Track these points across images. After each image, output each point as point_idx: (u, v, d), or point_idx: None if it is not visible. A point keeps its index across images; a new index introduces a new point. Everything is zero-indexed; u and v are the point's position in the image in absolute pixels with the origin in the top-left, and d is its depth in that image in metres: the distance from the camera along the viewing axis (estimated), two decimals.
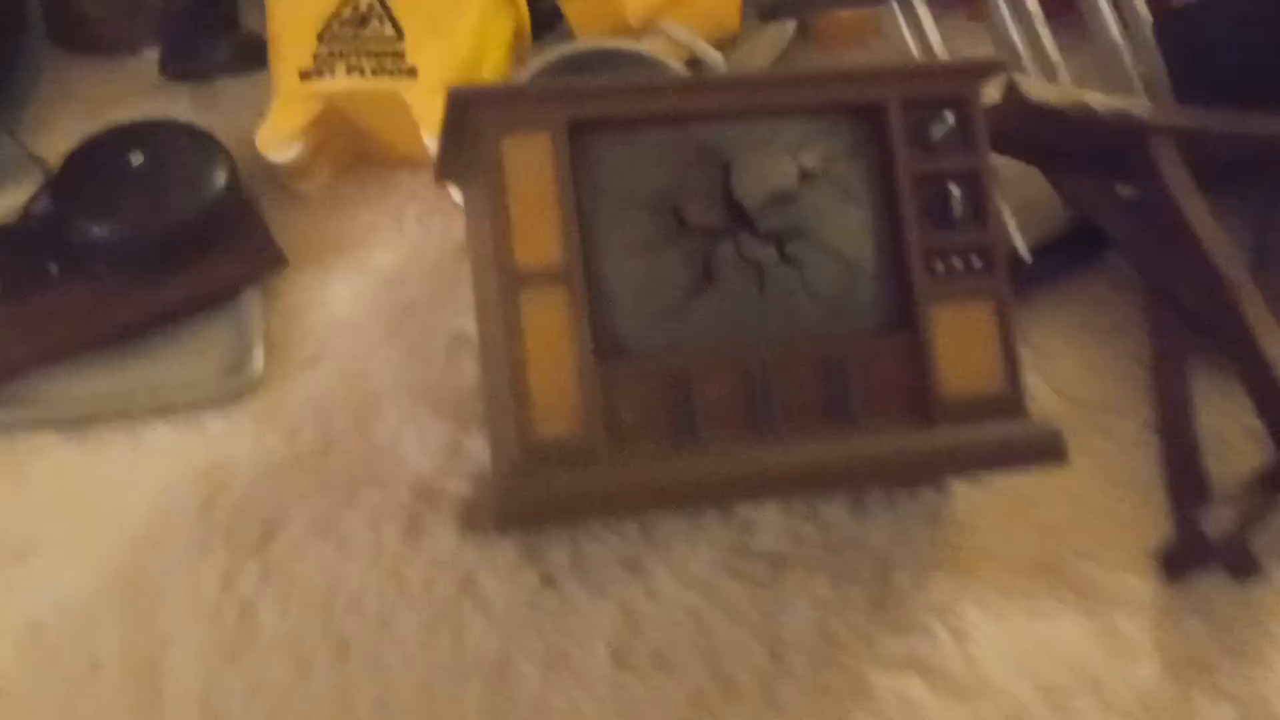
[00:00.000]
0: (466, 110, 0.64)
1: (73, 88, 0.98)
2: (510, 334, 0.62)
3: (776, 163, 0.66)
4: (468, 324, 0.82)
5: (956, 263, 0.67)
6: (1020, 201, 0.87)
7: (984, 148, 0.68)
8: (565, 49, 0.88)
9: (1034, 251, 0.85)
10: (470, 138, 0.66)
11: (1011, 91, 0.77)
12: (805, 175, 0.67)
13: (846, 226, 0.68)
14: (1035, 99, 0.77)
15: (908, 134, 0.68)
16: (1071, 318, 0.85)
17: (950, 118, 0.68)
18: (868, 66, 0.74)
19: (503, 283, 0.63)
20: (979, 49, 0.94)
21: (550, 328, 0.63)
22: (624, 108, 0.65)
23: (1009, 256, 0.83)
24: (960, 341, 0.66)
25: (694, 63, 0.90)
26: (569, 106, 0.64)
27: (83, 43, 0.99)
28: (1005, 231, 0.80)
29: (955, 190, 0.68)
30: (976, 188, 0.68)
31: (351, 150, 0.91)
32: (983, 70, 0.69)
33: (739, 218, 0.66)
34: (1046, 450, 0.66)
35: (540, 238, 0.63)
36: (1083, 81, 0.92)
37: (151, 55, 0.99)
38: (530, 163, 0.63)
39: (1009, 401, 0.66)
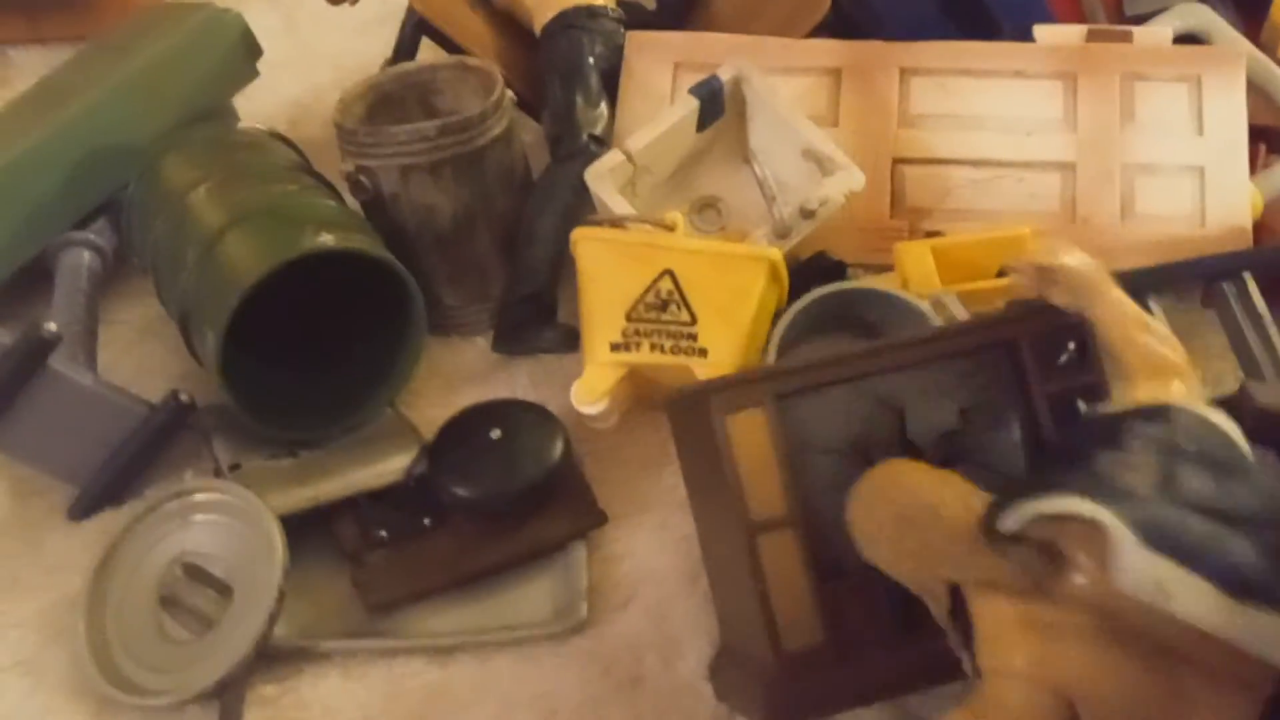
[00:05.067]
0: (700, 399, 0.78)
1: (434, 364, 1.11)
2: (753, 573, 0.75)
3: (941, 408, 0.79)
4: None
5: None
6: None
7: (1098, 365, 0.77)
8: (823, 290, 1.02)
9: None
10: (700, 418, 0.79)
11: (1244, 393, 0.85)
12: (963, 412, 0.78)
13: (998, 446, 0.80)
14: (1262, 404, 0.84)
15: (1038, 362, 0.78)
16: None
17: (1071, 345, 0.77)
18: (1000, 312, 0.83)
19: (741, 533, 0.75)
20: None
21: (784, 563, 0.75)
22: (817, 377, 0.79)
23: None
24: None
25: (938, 303, 0.99)
26: (774, 384, 0.78)
27: (440, 326, 1.14)
28: None
29: (1081, 404, 0.78)
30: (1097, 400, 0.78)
31: (635, 398, 1.04)
32: None
33: (914, 454, 0.77)
34: None
35: (765, 492, 0.76)
36: None
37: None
38: (750, 433, 0.77)
39: None
